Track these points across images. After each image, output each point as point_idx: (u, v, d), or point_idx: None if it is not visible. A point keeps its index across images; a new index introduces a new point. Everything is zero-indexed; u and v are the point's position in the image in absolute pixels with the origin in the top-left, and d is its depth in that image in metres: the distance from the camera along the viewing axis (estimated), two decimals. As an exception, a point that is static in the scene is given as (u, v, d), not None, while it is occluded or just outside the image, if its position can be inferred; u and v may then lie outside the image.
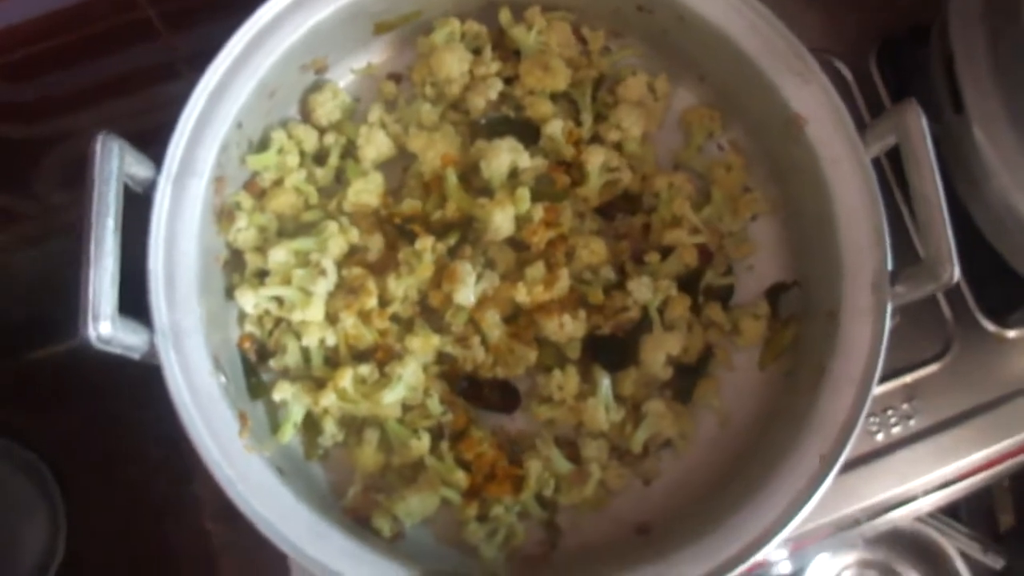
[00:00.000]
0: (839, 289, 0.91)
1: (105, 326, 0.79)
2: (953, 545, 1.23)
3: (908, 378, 1.04)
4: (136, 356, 0.83)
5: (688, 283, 0.99)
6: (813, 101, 0.93)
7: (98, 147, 0.82)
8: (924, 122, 0.88)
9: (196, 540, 1.12)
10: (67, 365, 1.25)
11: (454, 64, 0.98)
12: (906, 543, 1.23)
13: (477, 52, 1.02)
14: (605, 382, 0.94)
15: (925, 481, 1.03)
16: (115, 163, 0.82)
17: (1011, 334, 1.07)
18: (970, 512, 1.31)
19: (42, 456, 1.25)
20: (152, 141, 1.13)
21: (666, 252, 0.99)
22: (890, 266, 0.89)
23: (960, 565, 1.22)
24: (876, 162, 0.93)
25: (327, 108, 0.99)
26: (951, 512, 1.23)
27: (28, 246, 1.24)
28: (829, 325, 0.91)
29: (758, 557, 0.85)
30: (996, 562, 1.26)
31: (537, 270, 0.94)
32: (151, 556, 1.19)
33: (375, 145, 0.98)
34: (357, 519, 0.92)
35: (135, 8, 0.99)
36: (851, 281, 0.90)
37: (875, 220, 0.90)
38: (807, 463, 0.87)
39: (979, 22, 0.96)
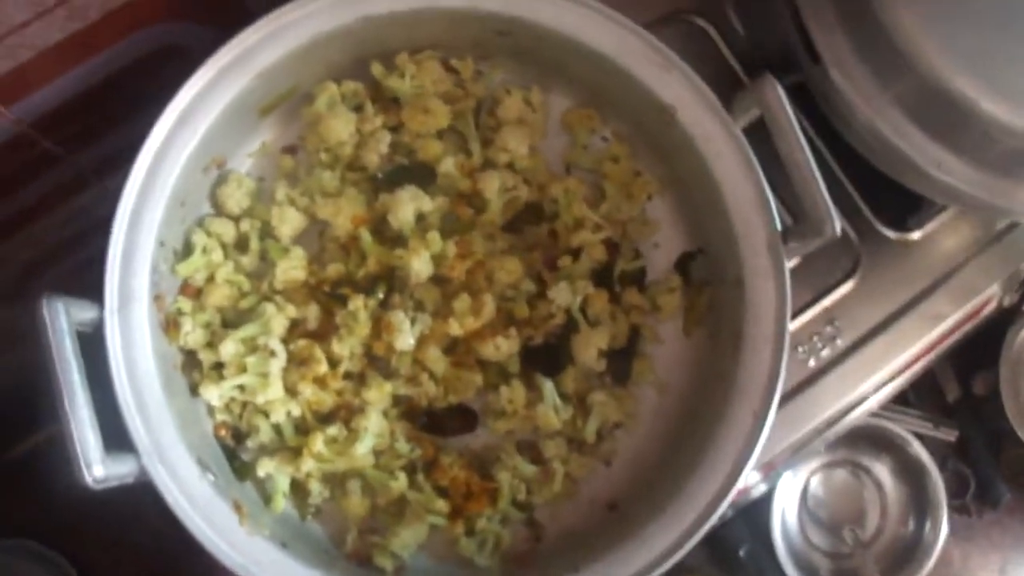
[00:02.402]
0: (737, 254, 1.09)
1: (98, 470, 0.96)
2: (907, 429, 1.44)
3: (826, 302, 1.24)
4: (130, 481, 1.02)
5: (602, 276, 1.18)
6: (677, 88, 1.10)
7: (45, 311, 0.98)
8: (780, 92, 1.06)
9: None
10: (47, 454, 1.44)
11: (341, 128, 1.15)
12: (863, 437, 1.44)
13: (359, 108, 1.18)
14: (548, 387, 1.14)
15: (864, 390, 1.23)
16: (63, 320, 0.99)
17: (914, 236, 1.27)
18: (918, 394, 1.51)
19: (50, 542, 1.45)
20: (79, 248, 1.32)
21: (576, 253, 1.17)
22: (779, 227, 1.07)
23: (917, 446, 1.43)
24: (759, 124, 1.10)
25: (236, 197, 1.16)
26: (900, 398, 1.44)
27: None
28: (736, 290, 1.09)
29: (715, 518, 1.05)
30: (949, 435, 1.47)
31: (463, 302, 1.12)
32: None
33: (289, 222, 1.15)
34: (360, 562, 1.13)
35: (33, 145, 1.15)
36: (746, 245, 1.08)
37: (757, 188, 1.08)
38: (742, 421, 1.07)
39: (817, -33, 1.13)
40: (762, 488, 1.36)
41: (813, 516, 1.48)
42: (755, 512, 1.43)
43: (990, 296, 1.28)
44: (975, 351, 1.41)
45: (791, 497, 1.45)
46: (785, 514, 1.44)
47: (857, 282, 1.24)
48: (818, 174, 1.04)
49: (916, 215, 1.26)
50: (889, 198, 1.24)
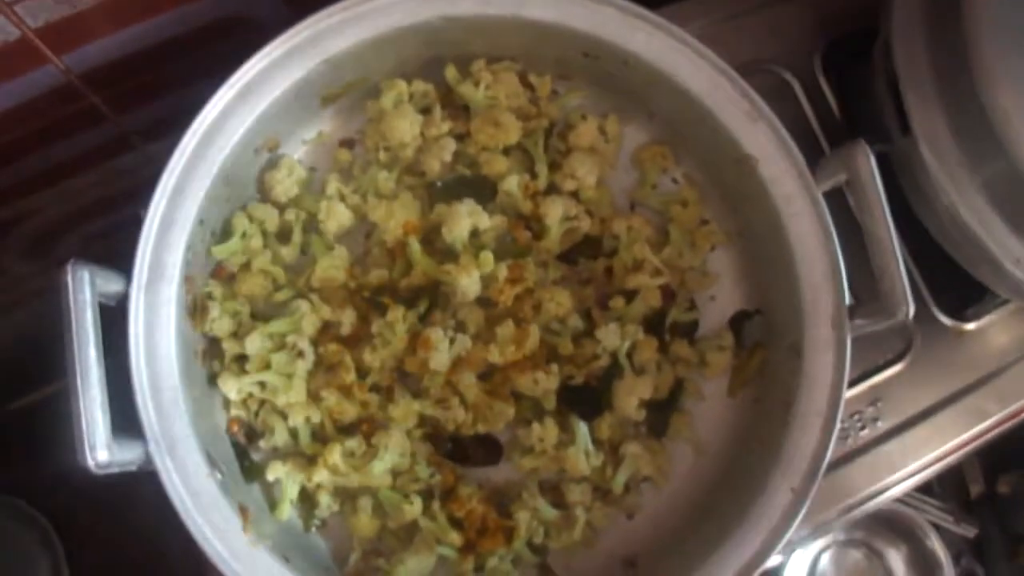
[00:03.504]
0: (799, 322, 0.98)
1: (102, 454, 0.86)
2: (927, 519, 1.34)
3: (873, 381, 1.13)
4: (134, 468, 0.91)
5: (653, 323, 1.06)
6: (762, 139, 0.99)
7: (69, 278, 0.87)
8: (873, 162, 0.95)
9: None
10: (44, 413, 1.32)
11: (406, 129, 1.04)
12: (882, 521, 1.34)
13: (426, 110, 1.07)
14: (583, 430, 1.03)
15: (896, 476, 1.13)
16: (87, 291, 0.88)
17: (969, 327, 1.16)
18: (942, 484, 1.42)
19: (38, 504, 1.34)
20: (112, 211, 1.20)
21: (630, 295, 1.06)
22: (848, 301, 0.96)
23: (935, 539, 1.33)
24: (837, 190, 1.00)
25: (285, 185, 1.04)
26: (924, 486, 1.33)
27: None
28: (792, 357, 0.98)
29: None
30: (968, 531, 1.37)
31: (507, 329, 1.01)
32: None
33: (336, 218, 1.04)
34: (361, 585, 1.03)
35: (79, 99, 1.03)
36: (810, 314, 0.97)
37: (830, 256, 0.97)
38: (780, 497, 0.96)
39: (921, 41, 1.01)
40: (775, 560, 1.26)
41: (820, 596, 1.38)
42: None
43: (1036, 398, 1.18)
44: (1004, 450, 1.30)
45: (800, 572, 1.34)
46: (792, 592, 1.34)
47: (906, 365, 1.14)
48: (900, 254, 0.94)
49: (976, 306, 1.16)
50: (951, 284, 1.14)
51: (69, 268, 0.88)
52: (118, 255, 0.94)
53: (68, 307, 0.87)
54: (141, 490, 0.92)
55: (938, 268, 1.12)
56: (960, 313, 1.16)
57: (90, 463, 0.86)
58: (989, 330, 1.17)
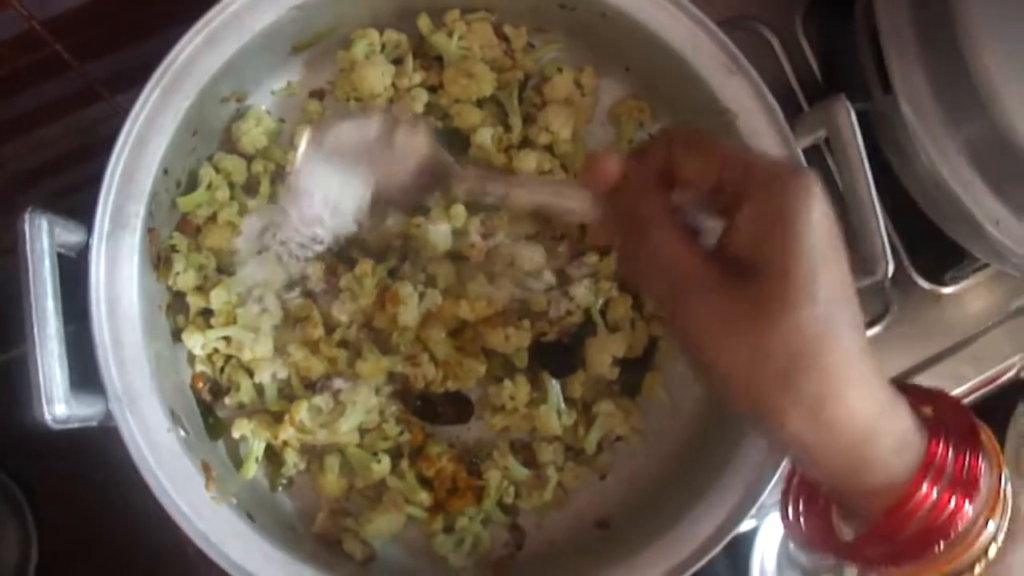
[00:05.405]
0: (776, 280, 0.94)
1: (60, 408, 0.82)
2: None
3: (848, 343, 1.09)
4: (94, 424, 0.86)
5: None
6: (741, 94, 0.94)
7: (26, 227, 0.83)
8: (853, 118, 0.91)
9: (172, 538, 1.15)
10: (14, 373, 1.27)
11: (376, 80, 0.99)
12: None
13: (398, 61, 1.02)
14: (555, 388, 0.98)
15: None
16: (45, 238, 0.83)
17: (946, 291, 1.12)
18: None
19: (5, 466, 1.28)
20: (78, 165, 1.15)
21: (605, 251, 1.01)
22: (825, 257, 0.92)
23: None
24: (816, 148, 0.96)
25: (252, 135, 0.99)
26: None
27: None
28: (769, 316, 0.94)
29: (715, 552, 0.91)
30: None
31: (479, 284, 0.96)
32: (128, 557, 1.23)
33: (305, 170, 0.98)
34: (328, 544, 0.97)
35: (42, 46, 0.98)
36: (787, 272, 0.93)
37: (808, 213, 0.93)
38: (756, 456, 0.91)
39: (903, -4, 0.98)
40: (749, 524, 1.22)
41: (793, 561, 1.34)
42: (733, 548, 1.29)
43: (1012, 364, 1.14)
44: (980, 415, 1.26)
45: (773, 537, 1.30)
46: (764, 559, 1.29)
47: (883, 328, 1.10)
48: (880, 209, 0.90)
49: (954, 270, 1.12)
50: (929, 248, 1.10)
51: (27, 216, 0.83)
52: (86, 210, 0.89)
53: (25, 255, 0.83)
54: (115, 450, 0.88)
55: (916, 231, 1.08)
56: (938, 277, 1.13)
57: (47, 417, 0.81)
58: (967, 294, 1.14)
